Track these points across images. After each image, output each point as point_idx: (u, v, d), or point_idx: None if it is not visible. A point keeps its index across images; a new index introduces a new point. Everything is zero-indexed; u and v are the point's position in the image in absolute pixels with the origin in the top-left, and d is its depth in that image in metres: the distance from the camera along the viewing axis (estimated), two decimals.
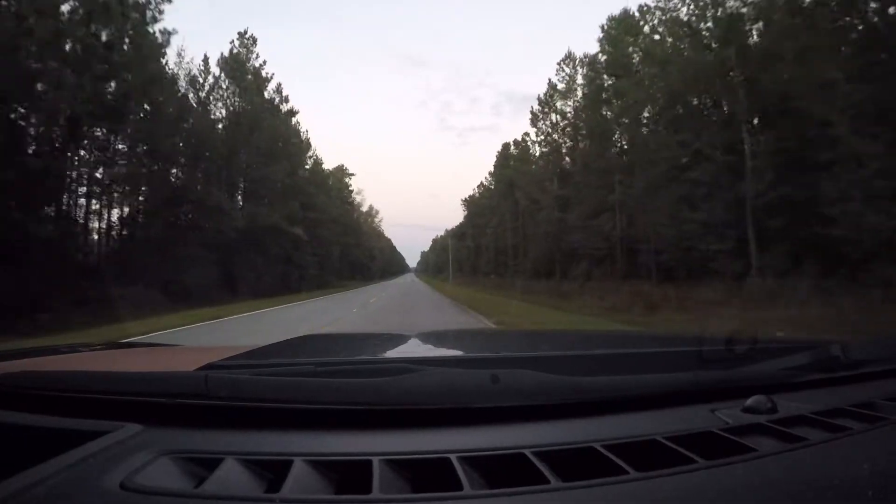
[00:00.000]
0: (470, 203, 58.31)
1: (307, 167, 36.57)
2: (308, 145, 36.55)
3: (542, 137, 29.75)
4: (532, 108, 29.92)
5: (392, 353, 1.18)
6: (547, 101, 28.98)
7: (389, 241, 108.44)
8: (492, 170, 46.53)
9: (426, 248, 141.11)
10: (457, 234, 65.88)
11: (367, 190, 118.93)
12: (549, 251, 28.15)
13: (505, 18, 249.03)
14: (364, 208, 70.18)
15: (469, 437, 0.54)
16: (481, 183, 54.68)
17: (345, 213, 53.18)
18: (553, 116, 29.04)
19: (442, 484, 0.44)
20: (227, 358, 0.85)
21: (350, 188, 56.06)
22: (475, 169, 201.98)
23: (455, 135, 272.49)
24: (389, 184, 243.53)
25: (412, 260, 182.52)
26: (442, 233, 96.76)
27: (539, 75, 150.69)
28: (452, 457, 0.47)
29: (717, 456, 0.49)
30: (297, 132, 33.08)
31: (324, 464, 0.47)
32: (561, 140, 28.43)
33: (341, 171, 54.03)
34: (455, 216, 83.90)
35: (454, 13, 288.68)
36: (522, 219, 38.36)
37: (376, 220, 78.81)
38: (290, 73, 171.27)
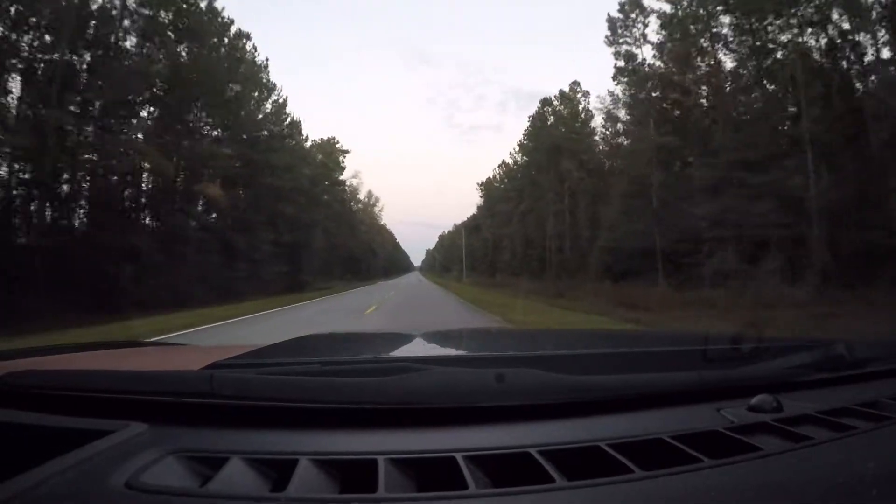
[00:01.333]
0: (487, 188, 47.94)
1: (266, 106, 24.94)
2: (265, 78, 24.50)
3: (624, 63, 19.32)
4: (608, 15, 19.56)
5: (397, 353, 1.18)
6: (636, 2, 18.55)
7: (392, 236, 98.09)
8: (521, 140, 36.31)
9: (431, 247, 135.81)
10: (469, 226, 55.62)
11: (369, 180, 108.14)
12: (636, 238, 17.61)
13: (514, 15, 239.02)
14: (362, 195, 59.72)
15: (474, 436, 0.54)
16: (503, 162, 44.49)
17: (336, 198, 42.96)
18: (641, 27, 18.65)
19: (447, 483, 0.44)
20: (232, 357, 0.83)
21: (342, 164, 45.67)
22: (481, 167, 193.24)
23: (461, 132, 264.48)
24: (394, 181, 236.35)
25: (417, 258, 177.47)
26: (450, 228, 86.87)
27: (544, 74, 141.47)
28: (458, 456, 0.47)
29: (722, 455, 0.49)
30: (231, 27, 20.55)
31: (329, 463, 0.47)
32: (660, 61, 18.01)
33: (330, 146, 43.68)
34: (461, 213, 74.53)
35: (464, 8, 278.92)
36: (571, 198, 27.51)
37: (377, 209, 68.00)
38: (293, 67, 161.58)
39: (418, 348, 1.26)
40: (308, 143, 33.67)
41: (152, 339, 7.57)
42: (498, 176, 44.88)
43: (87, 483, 0.43)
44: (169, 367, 0.88)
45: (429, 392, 0.59)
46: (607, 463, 0.47)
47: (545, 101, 30.54)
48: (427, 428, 0.55)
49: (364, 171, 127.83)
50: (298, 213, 26.08)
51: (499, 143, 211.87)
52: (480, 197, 49.14)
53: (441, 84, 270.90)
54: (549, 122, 29.73)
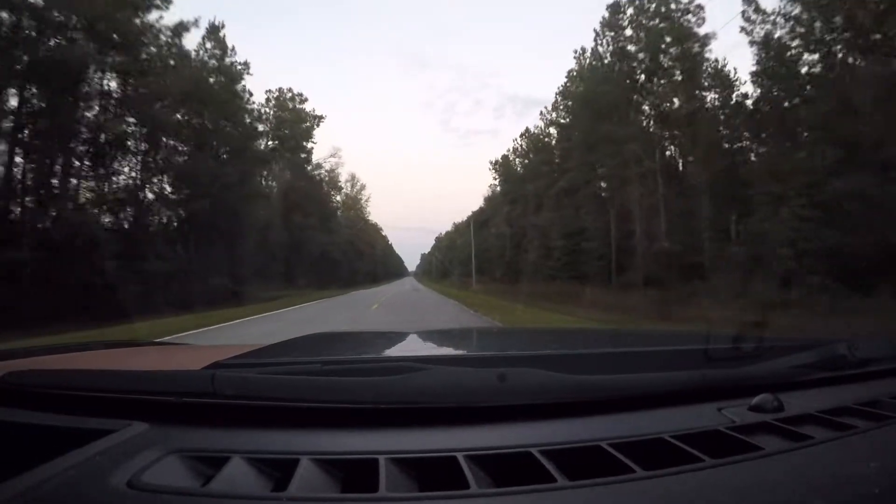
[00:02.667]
0: (504, 168, 36.69)
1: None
2: None
3: None
4: None
5: (399, 352, 1.17)
6: None
7: (384, 236, 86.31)
8: (564, 85, 25.41)
9: (426, 251, 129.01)
10: (477, 221, 44.51)
11: (361, 176, 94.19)
12: None
13: (513, 20, 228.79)
14: (343, 179, 47.69)
15: (475, 435, 0.54)
16: (525, 131, 33.48)
17: (302, 173, 31.57)
18: None
19: (448, 482, 0.44)
20: (234, 356, 0.82)
21: (308, 126, 33.93)
22: (478, 172, 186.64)
23: (457, 137, 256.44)
24: (389, 185, 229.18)
25: (412, 263, 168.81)
26: (449, 229, 75.83)
27: (541, 80, 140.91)
28: (459, 455, 0.47)
29: (723, 454, 0.48)
30: None
31: (330, 462, 0.47)
32: None
33: (292, 101, 32.24)
34: (460, 216, 63.66)
35: (462, 13, 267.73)
36: (664, 154, 16.34)
37: (363, 199, 54.00)
38: (285, 69, 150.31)
39: (420, 348, 1.26)
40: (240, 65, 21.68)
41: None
42: (521, 147, 33.78)
43: (89, 482, 0.43)
44: (170, 367, 0.85)
45: (430, 391, 0.59)
46: (609, 463, 0.47)
47: (616, 6, 19.35)
48: (428, 427, 0.55)
49: (358, 172, 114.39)
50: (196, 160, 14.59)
51: (496, 148, 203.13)
52: (494, 179, 38.05)
53: (438, 88, 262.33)
54: (626, 34, 18.61)
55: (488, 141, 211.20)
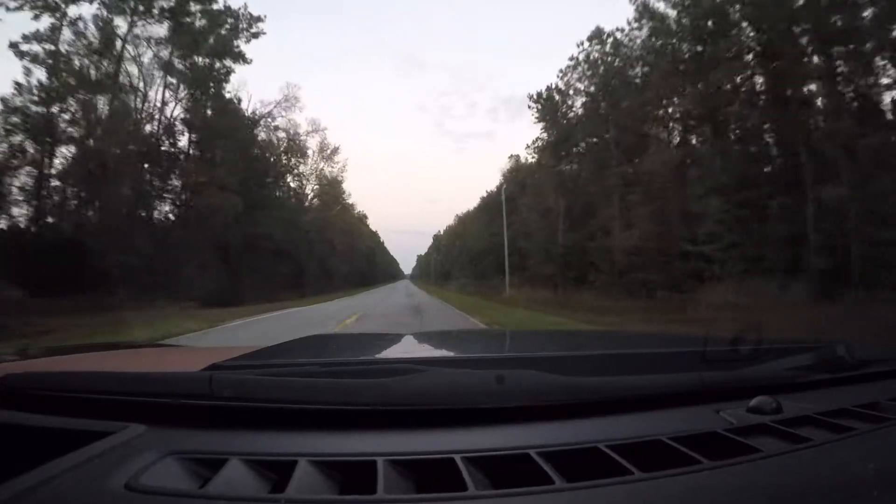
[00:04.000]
0: (552, 105, 23.57)
1: None
2: None
3: None
4: None
5: (397, 354, 1.17)
6: None
7: (373, 230, 72.20)
8: None
9: (422, 252, 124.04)
10: (491, 207, 31.95)
11: (354, 185, 75.58)
12: None
13: (508, 23, 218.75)
14: (303, 130, 30.01)
15: (474, 437, 0.54)
16: (597, 33, 20.77)
17: (217, 110, 18.71)
18: None
19: (446, 484, 0.44)
20: (232, 358, 0.83)
21: (243, 56, 20.62)
22: (474, 174, 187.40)
23: (453, 140, 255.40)
24: (384, 188, 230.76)
25: (407, 265, 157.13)
26: (451, 223, 62.81)
27: (536, 82, 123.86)
28: (457, 457, 0.47)
29: (721, 456, 0.49)
30: None
31: (328, 464, 0.47)
32: None
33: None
34: (456, 215, 52.15)
35: (458, 16, 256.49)
36: None
37: (336, 166, 36.09)
38: (283, 67, 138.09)
39: (418, 350, 1.26)
40: None
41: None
42: (591, 57, 20.64)
43: (87, 484, 0.43)
44: (168, 369, 0.87)
45: (428, 393, 0.59)
46: (606, 464, 0.47)
47: None
48: (426, 429, 0.55)
49: (352, 176, 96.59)
50: None
51: (491, 151, 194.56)
52: (535, 122, 24.26)
53: (434, 91, 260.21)
54: None
55: (484, 144, 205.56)
